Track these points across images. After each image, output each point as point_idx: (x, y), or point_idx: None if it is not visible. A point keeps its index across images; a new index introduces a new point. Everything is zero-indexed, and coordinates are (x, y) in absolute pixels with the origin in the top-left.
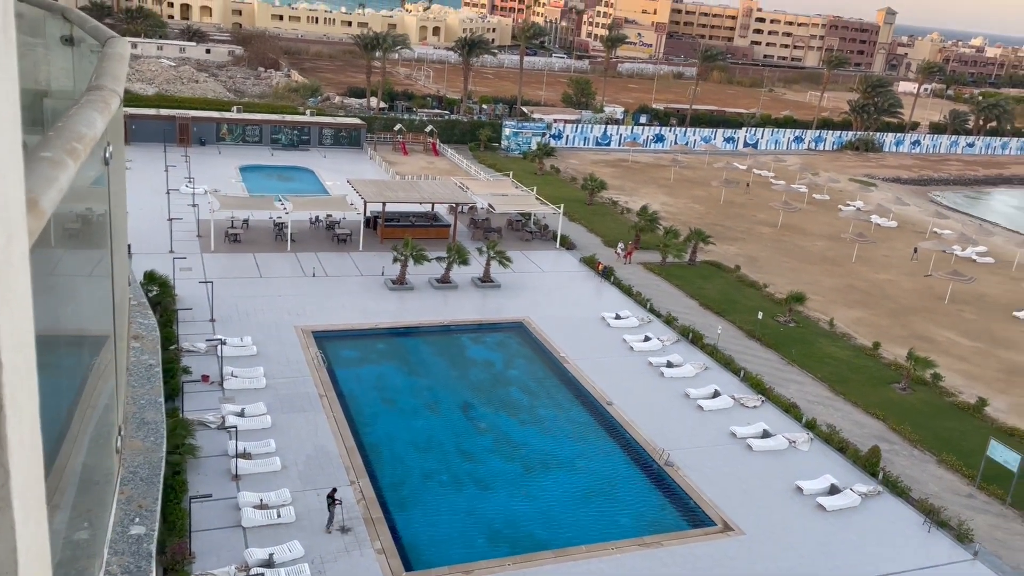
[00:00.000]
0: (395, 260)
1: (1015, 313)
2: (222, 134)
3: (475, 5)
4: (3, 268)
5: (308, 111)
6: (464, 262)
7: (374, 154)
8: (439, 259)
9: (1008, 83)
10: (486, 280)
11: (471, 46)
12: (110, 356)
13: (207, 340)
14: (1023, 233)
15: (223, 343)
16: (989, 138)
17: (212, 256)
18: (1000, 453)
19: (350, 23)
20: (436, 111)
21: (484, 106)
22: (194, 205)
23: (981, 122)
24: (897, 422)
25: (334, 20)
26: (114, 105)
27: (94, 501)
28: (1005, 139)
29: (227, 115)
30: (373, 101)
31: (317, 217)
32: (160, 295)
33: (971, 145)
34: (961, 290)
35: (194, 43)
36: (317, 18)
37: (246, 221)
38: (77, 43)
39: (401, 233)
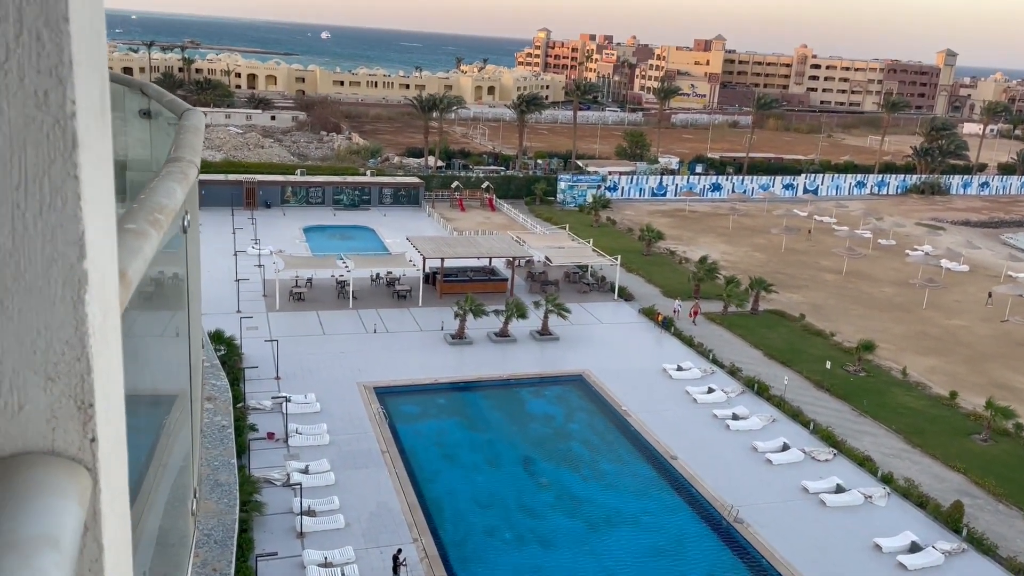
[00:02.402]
0: (456, 315)
1: None
2: (286, 196)
3: (529, 64)
4: (100, 345)
5: (368, 172)
6: (522, 315)
7: (432, 211)
8: (497, 313)
9: None
10: (544, 333)
11: (525, 103)
12: (185, 416)
13: (272, 398)
14: None
15: (288, 400)
16: None
17: (277, 315)
18: None
19: (408, 86)
20: (492, 167)
21: (539, 161)
22: (260, 266)
23: None
24: (980, 475)
25: (392, 84)
26: (192, 175)
27: (170, 565)
28: None
29: (291, 178)
30: (430, 160)
31: (378, 274)
32: (227, 354)
33: None
34: None
35: (259, 110)
36: (376, 82)
37: (310, 280)
38: (155, 116)
39: (460, 288)
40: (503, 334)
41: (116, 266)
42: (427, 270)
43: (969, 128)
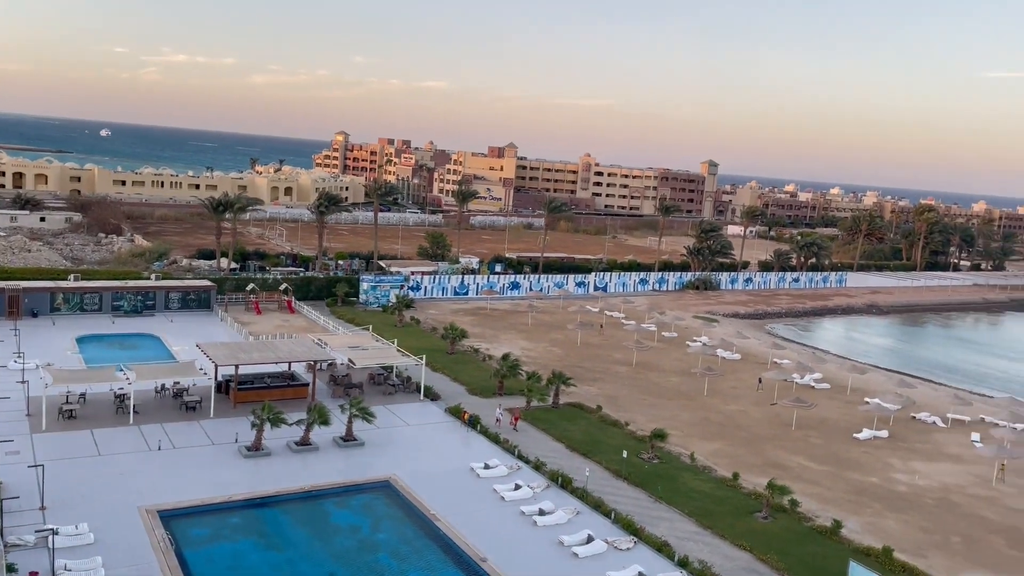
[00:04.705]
0: (252, 425)
1: (855, 435)
2: (57, 304)
3: (327, 166)
4: None
5: (153, 275)
6: (325, 422)
7: (225, 315)
8: (300, 422)
9: (821, 223)
10: (349, 439)
11: (325, 203)
12: None
13: (36, 531)
14: (852, 359)
15: (55, 533)
16: (811, 273)
17: (43, 436)
18: (860, 575)
19: (198, 186)
20: (291, 268)
21: (340, 261)
22: (23, 382)
23: (802, 259)
24: (763, 552)
25: (181, 184)
26: None
27: None
28: (824, 273)
29: (62, 284)
30: (223, 262)
31: (163, 385)
32: None
33: (796, 280)
34: (805, 416)
35: (26, 211)
36: (163, 182)
37: (83, 395)
38: None
39: (256, 396)
40: (304, 442)
41: None
42: (220, 378)
43: (732, 230)
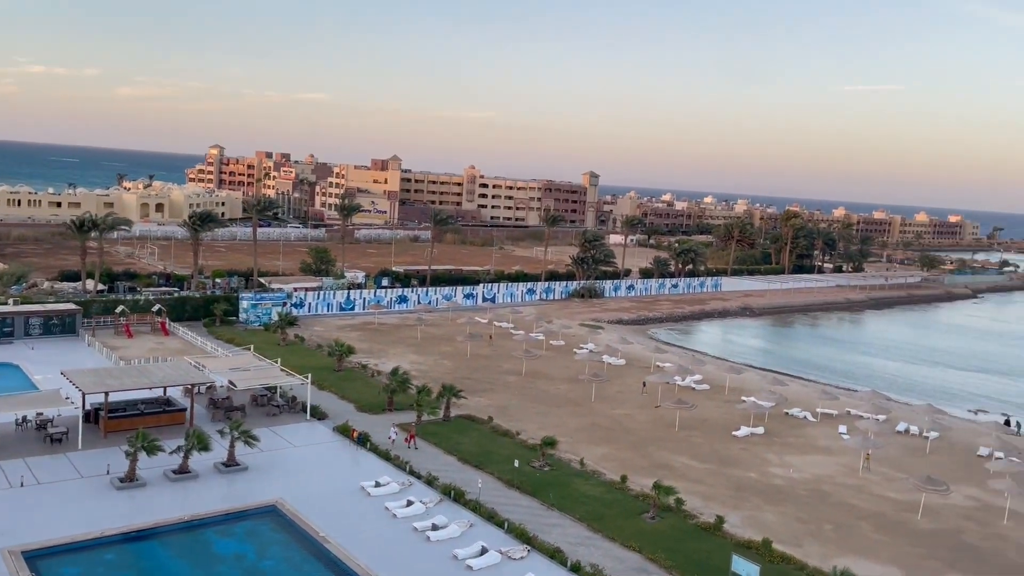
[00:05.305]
0: (126, 455)
1: (733, 433)
2: None
3: (201, 181)
4: None
5: (11, 300)
6: (205, 448)
7: (93, 340)
8: (180, 449)
9: (696, 231)
10: (231, 464)
11: (199, 220)
12: None
13: None
14: (729, 360)
15: None
16: (688, 279)
17: None
18: (742, 567)
19: (59, 203)
20: (164, 289)
21: (218, 280)
22: None
23: (680, 265)
24: (652, 551)
25: (40, 201)
26: None
27: None
28: (701, 278)
29: None
30: (90, 283)
31: (24, 417)
32: None
33: (675, 286)
34: (687, 417)
35: None
36: (20, 200)
37: None
38: None
39: (129, 424)
40: (183, 470)
41: None
42: (88, 407)
43: (614, 238)
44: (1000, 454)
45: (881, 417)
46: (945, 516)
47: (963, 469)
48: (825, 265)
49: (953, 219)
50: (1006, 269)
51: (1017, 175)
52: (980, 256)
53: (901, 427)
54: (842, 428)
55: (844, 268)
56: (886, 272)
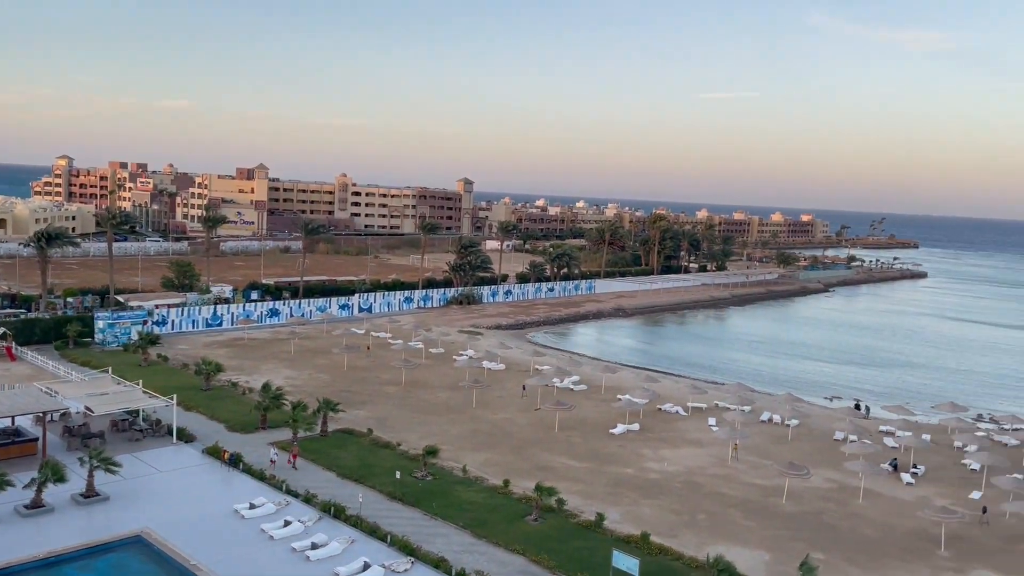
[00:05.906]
0: None
1: (611, 431)
2: None
3: (48, 194)
4: None
5: None
6: (60, 479)
7: None
8: (30, 483)
9: (570, 235)
10: (90, 494)
11: (47, 237)
12: None
13: None
14: (604, 360)
15: None
16: (564, 282)
17: None
18: (623, 561)
19: None
20: (9, 311)
21: (70, 299)
22: None
23: (556, 269)
24: (536, 553)
25: None
26: None
27: None
28: (576, 281)
29: None
30: None
31: None
32: None
33: (551, 290)
34: (566, 418)
35: None
36: None
37: None
38: None
39: None
40: (36, 504)
41: None
42: None
43: (490, 244)
44: (854, 437)
45: (747, 408)
46: (807, 499)
47: (821, 453)
48: (691, 265)
49: (805, 218)
50: (853, 264)
51: (861, 176)
52: (830, 252)
53: (765, 417)
54: (711, 420)
55: (708, 267)
56: (747, 270)
